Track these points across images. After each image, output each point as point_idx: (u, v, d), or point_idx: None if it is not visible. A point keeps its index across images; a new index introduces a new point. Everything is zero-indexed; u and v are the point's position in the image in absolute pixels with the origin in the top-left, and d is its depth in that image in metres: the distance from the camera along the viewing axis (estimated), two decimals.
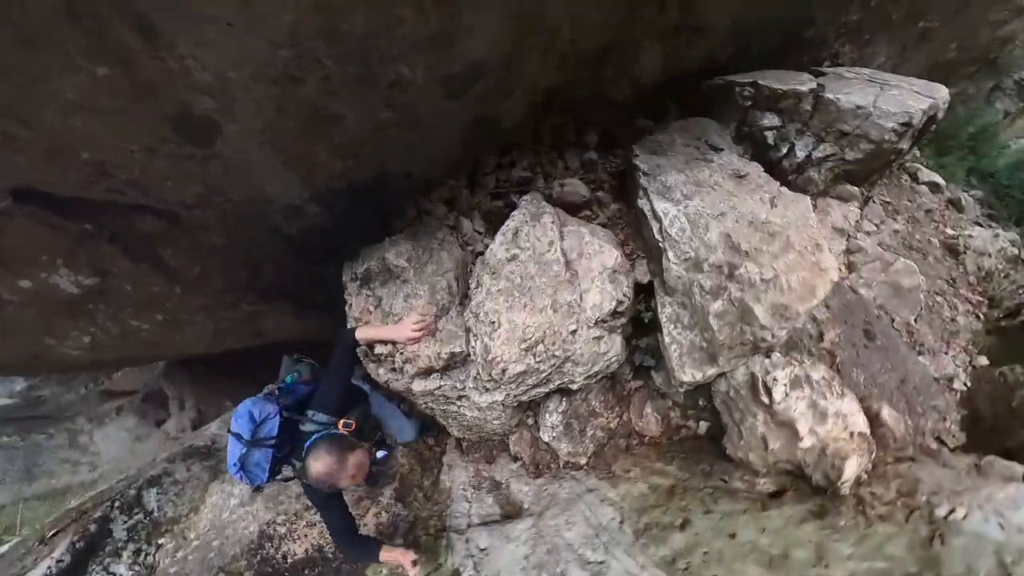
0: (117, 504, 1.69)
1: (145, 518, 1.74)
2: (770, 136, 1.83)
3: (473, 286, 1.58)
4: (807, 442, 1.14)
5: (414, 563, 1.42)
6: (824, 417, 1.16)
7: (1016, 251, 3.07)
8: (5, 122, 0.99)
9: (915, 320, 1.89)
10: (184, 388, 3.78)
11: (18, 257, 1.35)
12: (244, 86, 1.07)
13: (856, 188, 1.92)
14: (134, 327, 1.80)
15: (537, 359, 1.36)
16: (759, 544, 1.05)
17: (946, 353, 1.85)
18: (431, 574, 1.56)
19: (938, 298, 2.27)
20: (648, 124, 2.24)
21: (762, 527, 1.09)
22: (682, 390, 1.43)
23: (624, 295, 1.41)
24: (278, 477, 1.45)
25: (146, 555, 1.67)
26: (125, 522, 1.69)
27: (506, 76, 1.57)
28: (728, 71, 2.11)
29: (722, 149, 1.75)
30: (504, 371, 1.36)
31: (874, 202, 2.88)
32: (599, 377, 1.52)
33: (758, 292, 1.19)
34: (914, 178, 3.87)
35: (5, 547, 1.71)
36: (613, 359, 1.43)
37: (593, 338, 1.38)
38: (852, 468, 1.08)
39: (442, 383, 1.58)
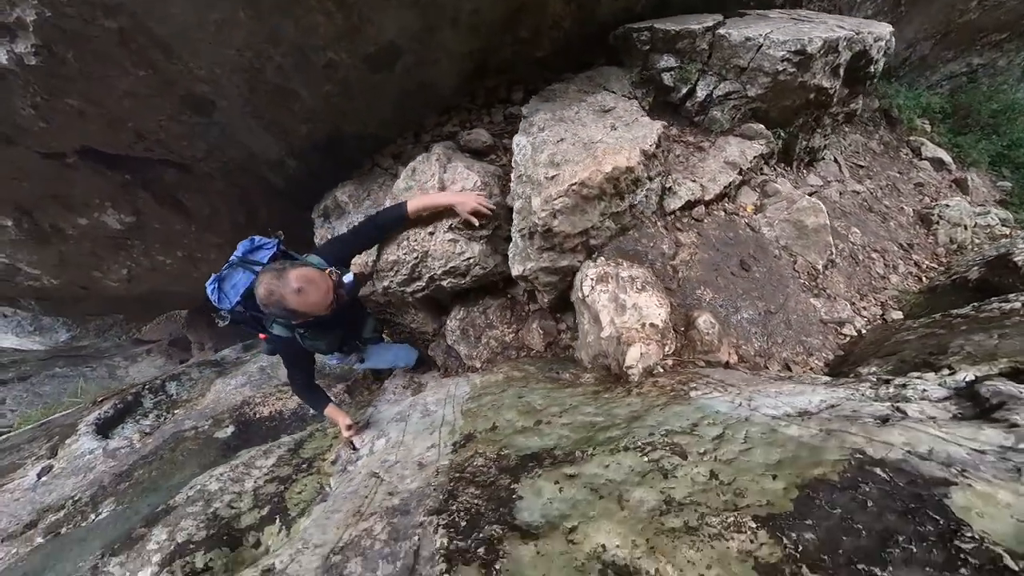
0: (148, 388, 2.16)
1: (167, 399, 2.15)
2: (667, 77, 1.69)
3: None
4: (607, 331, 1.09)
5: (349, 427, 1.36)
6: (623, 309, 1.09)
7: (1005, 230, 2.52)
8: (83, 104, 1.46)
9: (825, 266, 1.64)
10: (204, 334, 4.14)
11: (79, 200, 1.82)
12: (227, 76, 1.46)
13: (761, 127, 1.69)
14: (160, 261, 2.25)
15: (403, 252, 1.50)
16: (532, 402, 1.05)
17: (853, 303, 1.58)
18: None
19: (874, 255, 1.94)
20: (572, 77, 2.17)
21: (546, 395, 1.07)
22: (523, 286, 1.42)
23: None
24: (241, 315, 1.25)
25: (164, 418, 2.03)
26: (152, 399, 2.13)
27: (423, 50, 1.69)
28: (650, 17, 1.97)
29: (610, 90, 1.66)
30: (385, 260, 1.54)
31: (834, 161, 2.51)
32: (465, 278, 1.56)
33: (541, 188, 1.16)
34: (916, 152, 3.31)
35: (71, 408, 2.21)
36: (470, 259, 1.49)
37: (448, 240, 1.45)
38: (635, 354, 1.01)
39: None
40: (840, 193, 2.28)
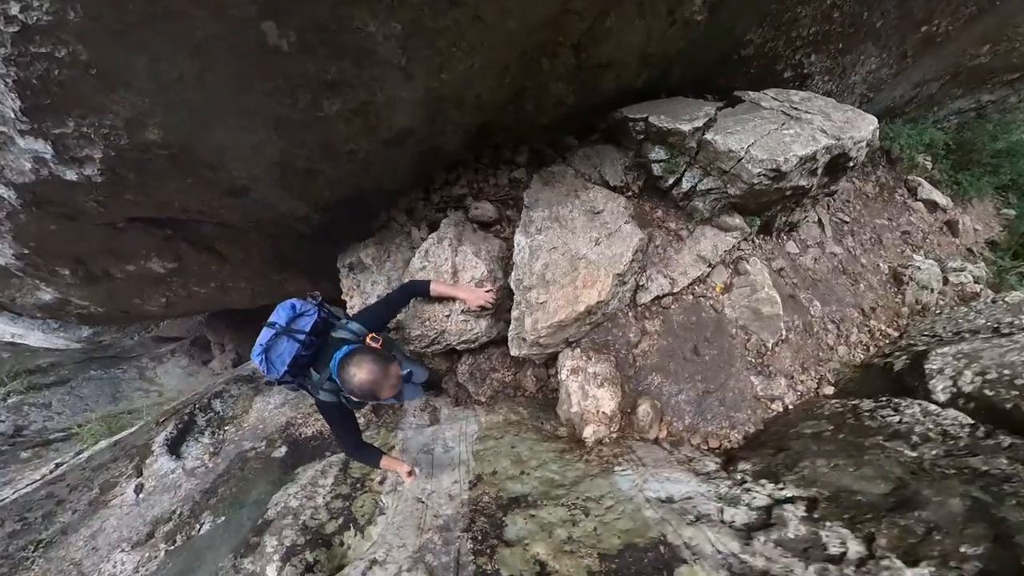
0: (198, 407, 2.62)
1: (215, 416, 2.64)
2: (656, 168, 1.92)
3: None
4: (575, 408, 1.51)
5: (409, 473, 1.47)
6: (586, 396, 1.51)
7: (977, 288, 2.76)
8: (138, 197, 1.78)
9: (775, 344, 1.97)
10: (224, 334, 4.49)
11: (128, 252, 2.17)
12: (262, 173, 1.80)
13: (738, 219, 1.94)
14: (196, 291, 2.64)
15: (426, 328, 1.95)
16: (520, 452, 1.50)
17: (793, 377, 1.93)
18: (383, 445, 2.19)
19: (830, 325, 2.26)
20: (574, 142, 2.39)
21: (531, 447, 1.52)
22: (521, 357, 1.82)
23: None
24: (290, 383, 1.42)
25: (218, 434, 2.54)
26: (203, 417, 2.61)
27: (431, 129, 1.97)
28: (652, 94, 2.13)
29: (604, 183, 1.89)
30: (411, 334, 1.99)
31: (817, 221, 2.72)
32: (474, 344, 1.95)
33: (532, 310, 1.50)
34: (913, 193, 3.43)
35: (135, 427, 2.72)
36: (478, 332, 1.94)
37: (462, 320, 1.82)
38: (589, 431, 1.46)
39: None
40: (815, 259, 2.53)
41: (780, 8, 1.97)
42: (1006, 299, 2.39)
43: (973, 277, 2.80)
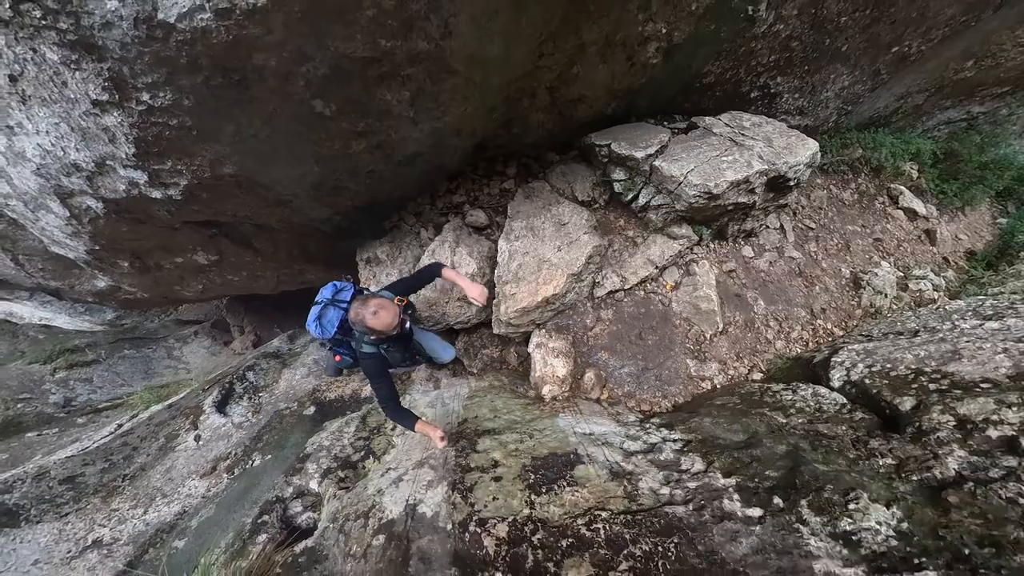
0: (235, 377, 3.32)
1: (250, 385, 3.34)
2: (618, 186, 2.38)
3: None
4: (538, 374, 2.06)
5: (442, 438, 1.65)
6: (546, 364, 2.03)
7: (935, 295, 3.05)
8: (202, 208, 2.31)
9: (714, 335, 2.41)
10: (243, 317, 4.97)
11: (178, 247, 2.82)
12: (303, 190, 2.37)
13: (685, 229, 2.37)
14: (230, 279, 3.34)
15: (431, 311, 2.53)
16: (497, 406, 2.07)
17: (726, 363, 2.37)
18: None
19: (772, 322, 2.65)
20: (555, 157, 2.86)
21: (505, 402, 2.09)
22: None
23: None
24: (339, 342, 1.79)
25: (254, 398, 3.24)
26: (240, 385, 3.31)
27: (435, 152, 2.50)
28: (622, 118, 2.57)
29: (574, 198, 2.37)
30: (420, 315, 2.56)
31: (779, 228, 3.06)
32: (468, 324, 2.51)
33: (505, 300, 2.04)
34: (894, 201, 3.68)
35: (183, 393, 3.49)
36: (471, 316, 2.51)
37: (457, 305, 2.40)
38: (546, 390, 2.02)
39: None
40: (771, 262, 2.90)
41: (733, 46, 2.34)
42: (946, 306, 2.68)
43: (932, 285, 3.07)
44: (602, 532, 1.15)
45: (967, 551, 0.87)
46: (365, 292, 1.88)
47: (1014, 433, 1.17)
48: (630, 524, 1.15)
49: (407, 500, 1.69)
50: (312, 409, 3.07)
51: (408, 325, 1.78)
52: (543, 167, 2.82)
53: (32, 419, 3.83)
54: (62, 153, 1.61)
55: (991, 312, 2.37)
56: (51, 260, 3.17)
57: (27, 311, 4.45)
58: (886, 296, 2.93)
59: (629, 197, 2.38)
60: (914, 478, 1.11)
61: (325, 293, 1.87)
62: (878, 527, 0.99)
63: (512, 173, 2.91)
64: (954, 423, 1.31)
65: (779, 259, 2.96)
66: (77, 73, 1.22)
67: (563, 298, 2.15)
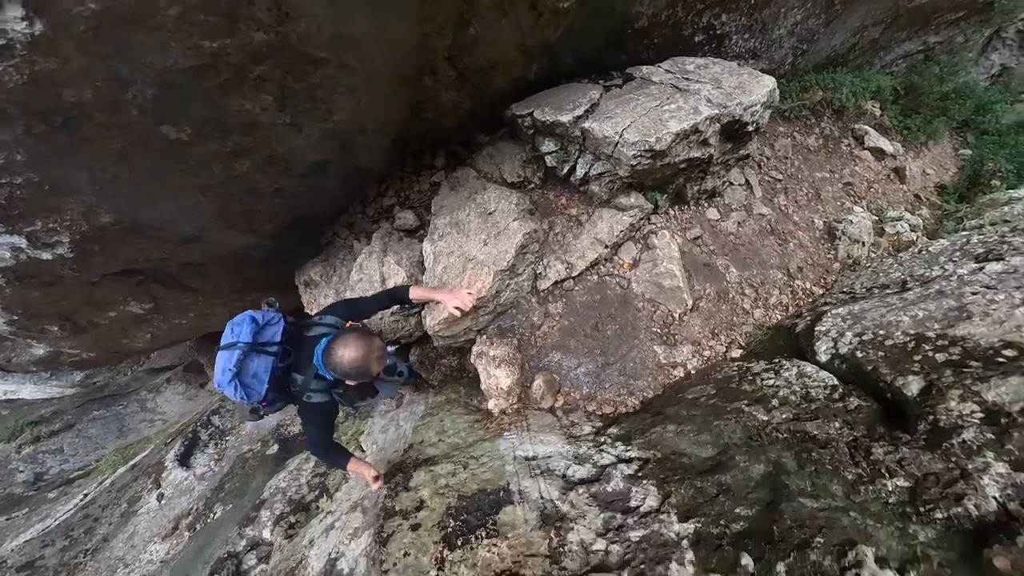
0: (200, 423, 2.97)
1: (215, 430, 2.99)
2: (550, 159, 1.95)
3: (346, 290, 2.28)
4: (483, 385, 1.67)
5: (375, 478, 1.39)
6: (489, 376, 1.65)
7: (913, 236, 2.64)
8: (110, 259, 1.96)
9: (683, 313, 2.01)
10: (214, 355, 4.64)
11: (107, 301, 2.42)
12: (209, 225, 1.99)
13: (634, 198, 1.94)
14: (176, 323, 2.93)
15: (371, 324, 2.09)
16: (445, 425, 1.74)
17: (700, 343, 1.97)
18: (356, 432, 2.44)
19: (747, 290, 2.25)
20: (484, 139, 2.41)
21: (454, 420, 1.73)
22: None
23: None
24: (273, 403, 1.29)
25: (220, 444, 2.86)
26: (205, 432, 2.95)
27: (345, 155, 2.09)
28: (551, 82, 2.12)
29: (503, 180, 1.94)
30: None
31: (744, 183, 2.63)
32: (410, 339, 2.13)
33: (431, 309, 1.66)
34: (860, 141, 3.24)
35: (147, 451, 3.10)
36: (411, 330, 2.13)
37: (392, 320, 2.03)
38: (492, 404, 1.66)
39: None
40: (740, 223, 2.48)
41: None
42: (929, 248, 2.27)
43: (909, 226, 2.66)
44: None
45: None
46: (305, 317, 1.47)
47: None
48: None
49: (329, 553, 1.38)
50: (275, 447, 2.70)
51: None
52: (472, 152, 2.37)
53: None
54: None
55: (983, 250, 1.95)
56: None
57: None
58: (863, 245, 2.52)
59: (565, 170, 1.95)
60: (938, 516, 0.72)
61: (242, 332, 1.25)
62: None
63: (441, 164, 2.47)
64: (981, 415, 0.91)
65: (748, 218, 2.54)
66: None
67: (497, 299, 1.74)
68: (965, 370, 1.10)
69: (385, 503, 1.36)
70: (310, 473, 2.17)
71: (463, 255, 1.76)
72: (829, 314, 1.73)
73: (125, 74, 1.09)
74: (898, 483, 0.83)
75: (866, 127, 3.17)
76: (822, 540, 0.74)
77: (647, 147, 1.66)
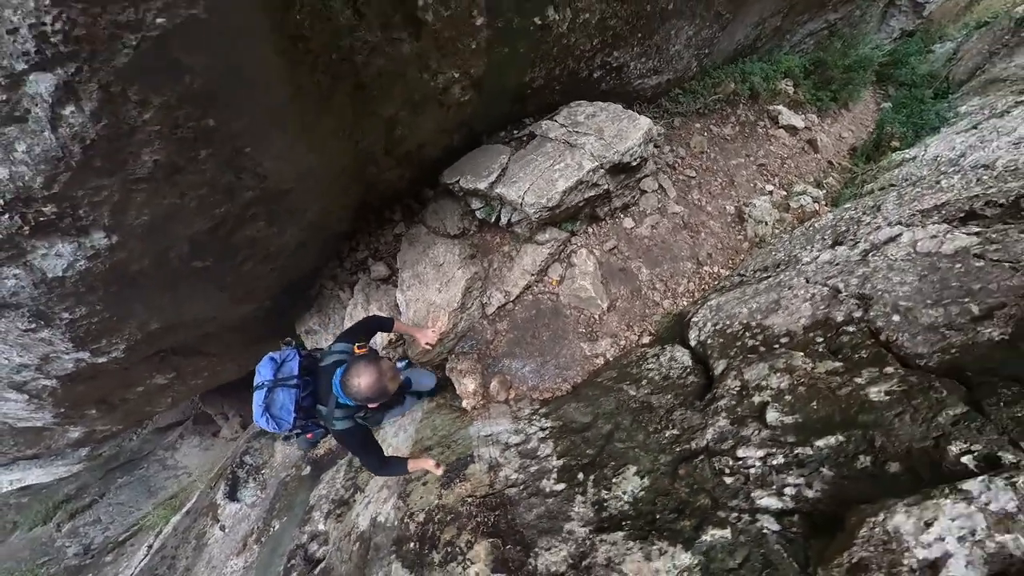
0: (235, 465, 4.05)
1: (251, 467, 4.08)
2: (479, 213, 2.85)
3: None
4: (458, 391, 2.68)
5: (437, 466, 1.76)
6: (461, 384, 2.64)
7: (816, 207, 3.46)
8: (147, 349, 2.82)
9: (601, 315, 2.94)
10: (221, 404, 5.14)
11: (136, 380, 3.40)
12: (222, 312, 2.83)
13: (550, 233, 2.83)
14: (194, 383, 4.00)
15: None
16: (436, 424, 2.74)
17: (617, 336, 2.92)
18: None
19: (658, 284, 3.17)
20: (430, 192, 3.30)
21: (442, 419, 2.75)
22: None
23: (389, 339, 2.91)
24: (306, 435, 1.65)
25: (258, 477, 3.95)
26: (242, 471, 4.04)
27: (320, 234, 2.98)
28: (473, 143, 2.97)
29: (447, 234, 2.85)
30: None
31: (658, 188, 3.46)
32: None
33: (410, 346, 2.60)
34: (775, 121, 4.02)
35: (194, 497, 4.22)
36: (402, 353, 3.00)
37: (388, 347, 2.95)
38: (465, 403, 2.66)
39: None
40: (653, 225, 3.36)
41: (544, 51, 2.65)
42: (815, 224, 3.11)
43: (812, 198, 3.49)
44: (466, 509, 1.80)
45: (658, 516, 1.35)
46: (317, 351, 1.88)
47: (767, 400, 1.52)
48: (480, 504, 1.78)
49: (372, 516, 2.43)
50: (308, 469, 3.81)
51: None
52: (422, 204, 3.26)
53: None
54: (6, 361, 2.19)
55: (844, 228, 2.75)
56: (20, 434, 3.76)
57: None
58: (767, 224, 3.37)
59: (493, 219, 2.84)
60: (678, 449, 1.64)
61: (264, 374, 1.67)
62: (623, 495, 1.53)
63: (399, 217, 3.37)
64: (738, 388, 1.77)
65: (662, 219, 3.40)
66: (2, 321, 1.76)
67: (455, 330, 2.70)
68: (751, 355, 1.99)
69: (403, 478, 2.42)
70: (343, 479, 3.27)
71: (426, 301, 2.70)
72: (704, 306, 2.63)
73: (168, 243, 1.99)
74: (673, 432, 1.75)
75: (780, 107, 3.91)
76: (614, 463, 1.69)
77: (542, 206, 2.54)
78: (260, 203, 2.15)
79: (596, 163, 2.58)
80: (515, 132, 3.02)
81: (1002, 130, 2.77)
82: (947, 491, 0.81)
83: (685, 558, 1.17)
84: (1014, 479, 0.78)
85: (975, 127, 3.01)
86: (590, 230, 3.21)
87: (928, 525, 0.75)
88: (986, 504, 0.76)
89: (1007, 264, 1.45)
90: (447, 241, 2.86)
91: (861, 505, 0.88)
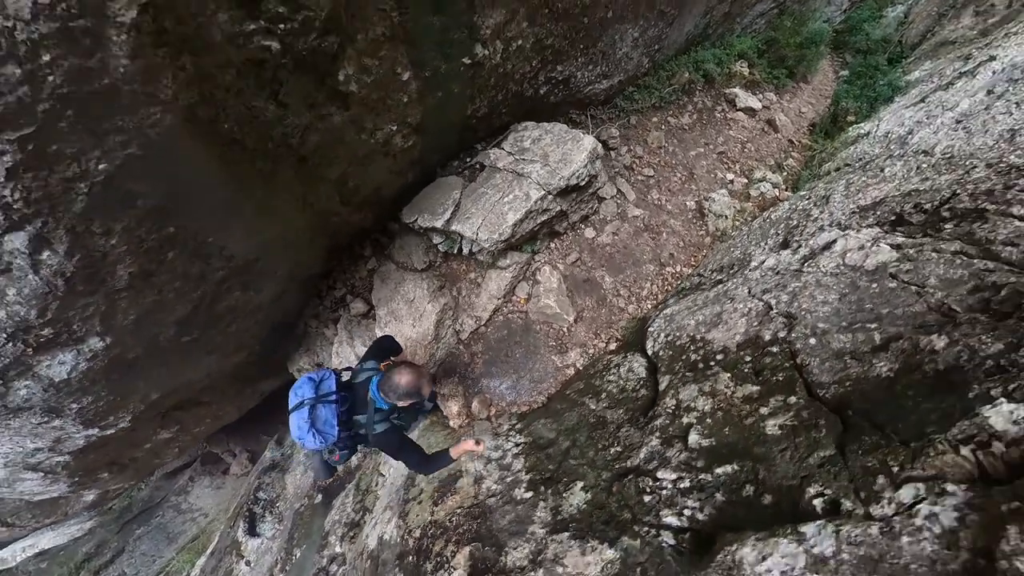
0: (249, 502, 4.46)
1: (265, 502, 4.50)
2: (441, 246, 3.05)
3: None
4: (444, 413, 2.97)
5: (477, 443, 1.94)
6: (447, 407, 2.95)
7: (777, 192, 3.60)
8: (152, 411, 3.15)
9: (570, 327, 3.19)
10: (227, 441, 5.33)
11: (143, 438, 3.74)
12: (215, 360, 3.08)
13: (510, 259, 3.03)
14: (197, 431, 4.37)
15: None
16: (429, 443, 3.10)
17: (586, 345, 3.17)
18: (376, 466, 3.94)
19: (622, 290, 3.39)
20: (395, 226, 3.48)
21: (436, 436, 3.08)
22: None
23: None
24: (345, 441, 1.78)
25: (274, 511, 4.39)
26: (258, 506, 4.46)
27: (297, 280, 3.18)
28: (429, 177, 3.12)
29: (415, 268, 3.07)
30: None
31: (617, 193, 3.62)
32: None
33: None
34: (732, 104, 4.08)
35: (216, 538, 4.67)
36: None
37: None
38: (453, 423, 2.93)
39: None
40: (615, 232, 3.54)
41: (480, 84, 2.73)
42: (772, 215, 3.25)
43: (772, 184, 3.60)
44: (454, 521, 2.14)
45: (592, 524, 1.63)
46: (348, 370, 2.05)
47: (692, 422, 1.70)
48: (465, 513, 2.12)
49: (379, 534, 2.81)
50: (319, 497, 4.24)
51: None
52: (390, 238, 3.46)
53: None
54: (21, 448, 2.52)
55: (792, 227, 2.89)
56: (38, 506, 4.19)
57: (9, 552, 4.71)
58: (727, 218, 3.52)
59: (456, 250, 3.04)
60: (617, 467, 1.92)
61: (305, 392, 1.83)
62: (571, 507, 1.83)
63: (369, 253, 3.58)
64: (673, 407, 2.02)
65: (623, 224, 3.57)
66: (15, 420, 2.07)
67: (434, 358, 2.97)
68: (688, 373, 2.22)
69: (404, 496, 2.77)
70: (352, 503, 3.68)
71: (403, 336, 2.96)
72: (660, 315, 2.85)
73: (156, 330, 2.28)
74: (616, 450, 2.03)
75: (735, 90, 3.93)
76: (566, 478, 1.99)
77: (495, 240, 2.72)
78: (232, 277, 2.38)
79: (543, 191, 2.73)
80: (467, 160, 3.15)
81: (946, 104, 2.84)
82: (789, 531, 1.00)
83: (609, 554, 1.47)
84: (841, 527, 0.95)
85: (923, 100, 3.06)
86: (552, 245, 3.39)
87: (763, 559, 0.96)
88: (812, 547, 0.94)
89: (914, 288, 1.54)
90: (415, 276, 3.08)
91: (728, 534, 1.11)
